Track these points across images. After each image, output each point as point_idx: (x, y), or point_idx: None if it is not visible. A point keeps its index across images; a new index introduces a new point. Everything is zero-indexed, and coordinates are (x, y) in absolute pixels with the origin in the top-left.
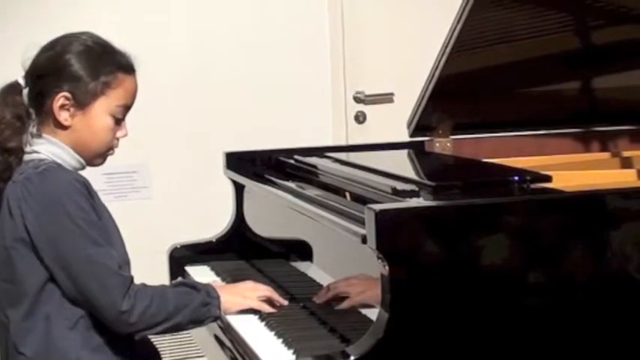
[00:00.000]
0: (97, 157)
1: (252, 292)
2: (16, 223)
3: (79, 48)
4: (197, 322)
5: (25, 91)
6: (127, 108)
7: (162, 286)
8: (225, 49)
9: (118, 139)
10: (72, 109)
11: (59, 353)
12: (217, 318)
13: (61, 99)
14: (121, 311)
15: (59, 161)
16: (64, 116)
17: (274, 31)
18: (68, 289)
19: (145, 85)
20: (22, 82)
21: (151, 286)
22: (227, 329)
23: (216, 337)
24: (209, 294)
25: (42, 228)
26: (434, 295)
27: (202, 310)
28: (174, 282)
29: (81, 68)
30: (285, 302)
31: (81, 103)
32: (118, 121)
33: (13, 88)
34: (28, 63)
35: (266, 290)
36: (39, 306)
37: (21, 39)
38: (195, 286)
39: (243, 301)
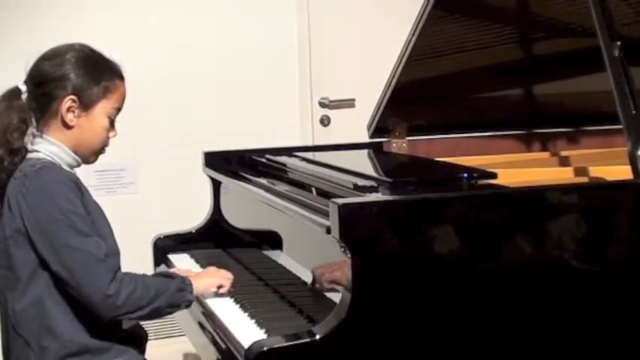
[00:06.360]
0: (92, 154)
1: (217, 273)
2: (14, 215)
3: (79, 56)
4: (174, 307)
5: (25, 96)
6: (119, 110)
7: (143, 275)
8: (203, 59)
9: (109, 138)
10: (77, 111)
11: (54, 335)
12: (191, 302)
13: (68, 102)
14: (107, 295)
15: (56, 159)
16: (69, 117)
17: (248, 44)
18: (60, 276)
19: (132, 92)
20: (22, 87)
21: (134, 274)
22: (205, 311)
23: (196, 319)
24: (183, 281)
25: (36, 220)
26: (392, 280)
27: (178, 295)
28: (152, 274)
29: (84, 74)
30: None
31: (85, 105)
32: (112, 123)
33: (15, 93)
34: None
35: (227, 272)
36: (31, 290)
37: (17, 48)
38: (171, 275)
39: (211, 280)
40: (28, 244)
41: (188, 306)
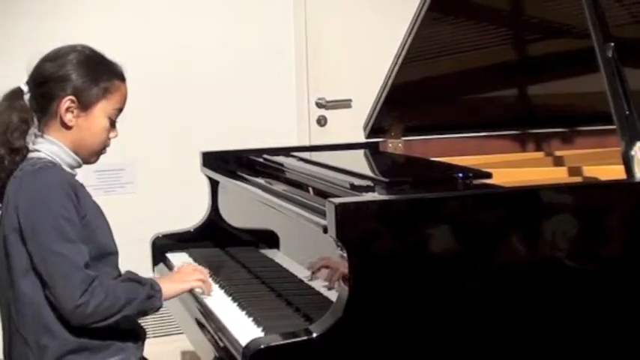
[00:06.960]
0: (93, 154)
1: (190, 276)
2: (11, 214)
3: (79, 57)
4: (143, 313)
5: (27, 97)
6: (119, 111)
7: (115, 282)
8: (202, 60)
9: (110, 139)
10: (76, 111)
11: (52, 333)
12: (159, 308)
13: (67, 102)
14: (76, 305)
15: (57, 159)
16: (68, 117)
17: (245, 44)
18: (42, 277)
19: (131, 92)
20: (24, 88)
21: (107, 282)
22: (203, 309)
23: (194, 317)
24: (153, 287)
25: (28, 219)
26: (387, 279)
27: (147, 302)
28: (121, 277)
29: (84, 75)
30: (212, 290)
31: (84, 105)
32: (112, 123)
33: (17, 93)
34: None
35: (201, 273)
36: (26, 290)
37: (17, 48)
38: (140, 281)
39: (182, 284)
40: (22, 243)
41: (157, 311)
